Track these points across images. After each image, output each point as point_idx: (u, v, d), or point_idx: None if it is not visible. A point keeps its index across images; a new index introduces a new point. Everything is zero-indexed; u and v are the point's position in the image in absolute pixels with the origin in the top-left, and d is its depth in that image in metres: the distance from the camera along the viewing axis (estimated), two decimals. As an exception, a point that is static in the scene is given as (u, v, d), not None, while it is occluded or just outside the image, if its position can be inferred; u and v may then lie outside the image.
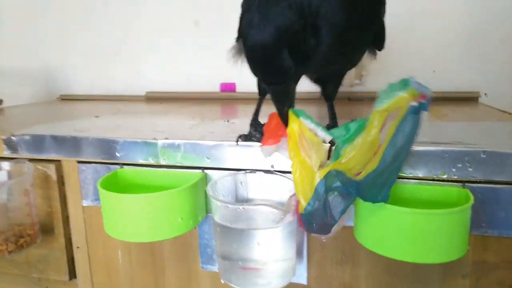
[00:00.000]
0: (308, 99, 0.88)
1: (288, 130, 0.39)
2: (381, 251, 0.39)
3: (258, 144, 0.46)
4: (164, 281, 0.55)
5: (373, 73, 0.96)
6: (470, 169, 0.42)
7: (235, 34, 0.48)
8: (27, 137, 0.54)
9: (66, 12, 1.09)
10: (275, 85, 0.36)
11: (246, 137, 0.47)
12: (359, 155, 0.37)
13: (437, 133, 0.52)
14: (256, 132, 0.47)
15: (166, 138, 0.50)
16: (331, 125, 0.49)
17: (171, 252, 0.54)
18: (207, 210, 0.50)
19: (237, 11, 0.43)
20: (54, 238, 0.55)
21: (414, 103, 0.34)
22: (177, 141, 0.49)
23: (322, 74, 0.49)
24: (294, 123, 0.39)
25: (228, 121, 0.64)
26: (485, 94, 0.93)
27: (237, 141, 0.47)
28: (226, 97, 1.00)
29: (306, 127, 0.39)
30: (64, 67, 1.11)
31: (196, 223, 0.47)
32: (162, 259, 0.54)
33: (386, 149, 0.35)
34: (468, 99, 0.92)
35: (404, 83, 0.35)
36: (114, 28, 1.06)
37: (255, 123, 0.49)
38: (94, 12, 1.07)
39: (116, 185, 0.50)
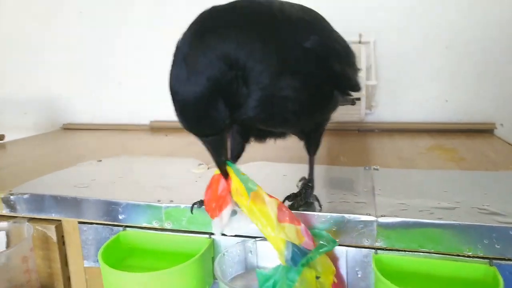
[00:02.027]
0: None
1: (233, 184, 0.36)
2: None
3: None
4: None
5: (384, 103, 0.93)
6: (498, 246, 0.39)
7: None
8: (26, 196, 0.51)
9: (70, 41, 1.07)
10: (211, 136, 0.35)
11: (201, 204, 0.45)
12: None
13: (457, 191, 0.49)
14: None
15: (171, 201, 0.47)
16: (307, 181, 0.47)
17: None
18: (214, 276, 0.47)
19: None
20: (55, 300, 0.53)
21: None
22: (182, 205, 0.47)
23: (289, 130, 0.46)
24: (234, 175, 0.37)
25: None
26: (501, 124, 0.90)
27: (191, 209, 0.45)
28: (232, 127, 0.97)
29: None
30: (67, 96, 1.09)
31: (203, 295, 0.44)
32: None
33: None
34: (483, 131, 0.88)
35: None
36: (118, 56, 1.04)
37: None
38: (98, 41, 1.05)
39: (119, 249, 0.48)
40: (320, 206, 0.44)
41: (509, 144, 0.77)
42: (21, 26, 1.09)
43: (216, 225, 0.39)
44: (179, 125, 1.17)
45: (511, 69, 0.87)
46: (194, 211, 0.45)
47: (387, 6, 0.89)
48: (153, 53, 1.02)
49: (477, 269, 0.40)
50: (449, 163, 0.63)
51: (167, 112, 1.23)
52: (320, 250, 0.37)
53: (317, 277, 0.36)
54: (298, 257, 0.35)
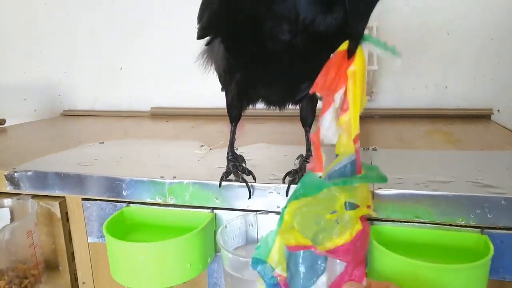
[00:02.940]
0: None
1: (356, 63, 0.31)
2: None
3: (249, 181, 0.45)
4: (171, 318, 0.53)
5: (384, 90, 0.94)
6: (490, 216, 0.41)
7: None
8: (30, 173, 0.52)
9: (71, 27, 1.07)
10: None
11: (227, 175, 0.46)
12: None
13: (453, 167, 0.50)
14: (235, 170, 0.46)
15: (174, 177, 0.48)
16: (304, 158, 0.48)
17: (179, 290, 0.52)
18: (216, 249, 0.48)
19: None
20: (60, 275, 0.54)
21: None
22: (185, 181, 0.48)
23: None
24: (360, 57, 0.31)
25: (236, 149, 0.63)
26: (498, 110, 0.91)
27: (220, 184, 0.46)
28: (232, 113, 0.98)
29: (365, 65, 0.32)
30: (68, 82, 1.10)
31: (205, 266, 0.46)
32: (169, 296, 0.53)
33: None
34: (481, 116, 0.89)
35: None
36: (119, 43, 1.05)
37: (232, 157, 0.48)
38: (99, 27, 1.05)
39: (123, 224, 0.49)
40: None
41: (505, 128, 0.78)
42: (21, 13, 1.09)
43: (330, 113, 0.33)
44: (180, 111, 1.18)
45: (509, 56, 0.88)
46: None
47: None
48: (155, 40, 1.02)
49: (469, 237, 0.41)
50: (447, 145, 0.64)
51: (168, 98, 1.23)
52: (363, 178, 0.32)
53: (349, 204, 0.31)
54: (336, 177, 0.31)
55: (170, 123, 0.93)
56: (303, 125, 0.49)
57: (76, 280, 0.55)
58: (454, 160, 0.55)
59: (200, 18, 0.43)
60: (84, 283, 0.55)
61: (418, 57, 0.92)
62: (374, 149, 0.60)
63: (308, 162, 0.47)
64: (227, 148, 0.50)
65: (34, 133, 0.85)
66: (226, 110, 1.12)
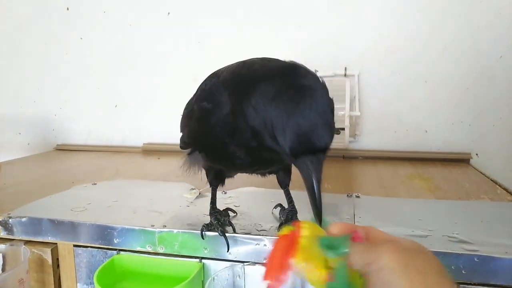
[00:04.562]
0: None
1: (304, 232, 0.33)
2: None
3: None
4: None
5: (366, 132, 0.99)
6: (464, 272, 0.43)
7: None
8: (24, 220, 0.53)
9: (65, 62, 1.11)
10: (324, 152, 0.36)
11: (208, 227, 0.49)
12: None
13: (431, 219, 0.53)
14: (216, 222, 0.49)
15: (164, 226, 0.50)
16: (289, 209, 0.51)
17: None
18: (204, 299, 0.50)
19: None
20: (47, 322, 0.54)
21: None
22: (175, 230, 0.49)
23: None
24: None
25: (225, 193, 0.65)
26: (476, 154, 0.95)
27: (202, 237, 0.48)
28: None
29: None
30: (63, 118, 1.12)
31: (192, 318, 0.47)
32: None
33: None
34: (460, 160, 0.94)
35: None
36: (113, 79, 1.08)
37: (214, 212, 0.51)
38: (93, 62, 1.09)
39: (113, 272, 0.50)
40: None
41: (482, 174, 0.82)
42: (18, 48, 1.13)
43: None
44: (171, 147, 1.20)
45: (486, 103, 0.94)
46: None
47: (371, 43, 0.96)
48: (149, 77, 1.06)
49: None
50: (427, 193, 0.68)
51: (160, 134, 1.26)
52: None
53: None
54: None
55: (161, 160, 0.95)
56: (281, 187, 0.53)
57: (63, 326, 0.55)
58: (432, 211, 0.58)
59: (182, 130, 0.52)
60: (70, 329, 0.55)
61: (398, 102, 0.97)
62: (358, 196, 0.63)
63: (294, 212, 0.50)
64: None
65: (28, 171, 0.87)
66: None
